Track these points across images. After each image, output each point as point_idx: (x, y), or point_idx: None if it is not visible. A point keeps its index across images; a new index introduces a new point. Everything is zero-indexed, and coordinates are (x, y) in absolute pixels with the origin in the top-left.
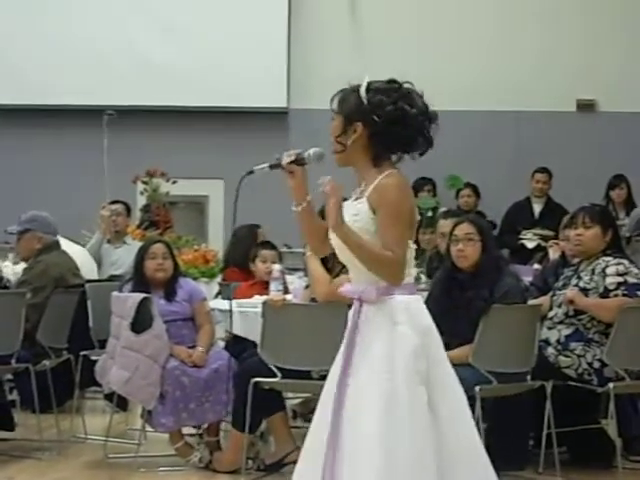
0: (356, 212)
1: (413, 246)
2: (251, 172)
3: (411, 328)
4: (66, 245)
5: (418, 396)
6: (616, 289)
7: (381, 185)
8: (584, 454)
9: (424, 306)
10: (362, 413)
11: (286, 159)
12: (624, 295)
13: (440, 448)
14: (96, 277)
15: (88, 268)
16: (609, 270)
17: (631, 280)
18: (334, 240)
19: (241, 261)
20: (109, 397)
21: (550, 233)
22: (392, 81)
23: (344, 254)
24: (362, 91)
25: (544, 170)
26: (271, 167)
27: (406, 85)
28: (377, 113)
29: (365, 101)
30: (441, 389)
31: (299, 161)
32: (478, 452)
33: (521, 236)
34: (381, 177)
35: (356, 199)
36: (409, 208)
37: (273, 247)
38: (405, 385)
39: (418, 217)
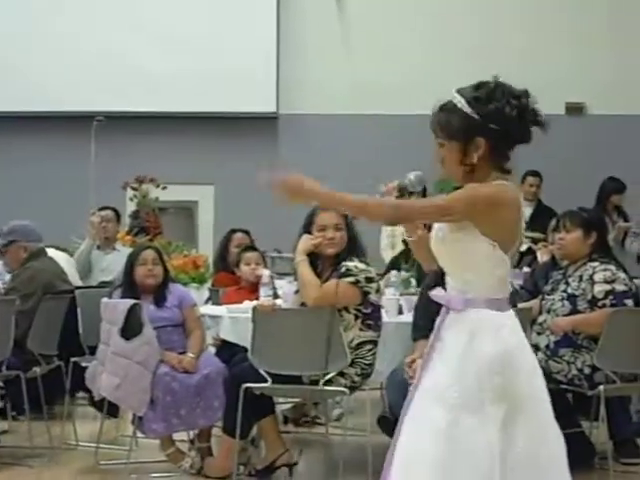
0: (463, 226)
1: (508, 261)
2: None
3: (491, 342)
4: (50, 253)
5: (488, 415)
6: (604, 298)
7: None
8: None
9: (514, 323)
10: (423, 431)
11: (392, 197)
12: (612, 305)
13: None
14: (78, 284)
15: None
16: (597, 277)
17: (619, 288)
18: (435, 248)
19: (220, 265)
20: (96, 404)
21: (541, 235)
22: (480, 86)
23: (444, 261)
24: (465, 107)
25: (536, 174)
26: None
27: (499, 80)
28: (495, 121)
29: (475, 116)
30: (519, 409)
31: (402, 191)
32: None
33: None
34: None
35: None
36: (483, 212)
37: (255, 250)
38: (474, 403)
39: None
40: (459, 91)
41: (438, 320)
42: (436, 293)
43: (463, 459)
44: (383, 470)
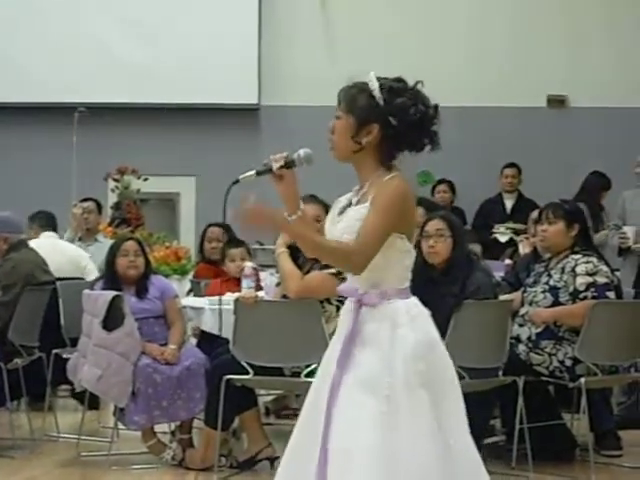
0: (360, 217)
1: (413, 251)
2: (236, 182)
3: (412, 330)
4: (54, 243)
5: (419, 399)
6: (586, 290)
7: (382, 185)
8: (545, 450)
9: (424, 309)
10: (359, 420)
11: (275, 164)
12: (593, 297)
13: (445, 454)
14: (88, 272)
15: (75, 265)
16: (579, 269)
17: (600, 280)
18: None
19: (201, 257)
20: (77, 396)
21: (522, 226)
22: (401, 80)
23: None
24: (376, 91)
25: (512, 165)
26: (258, 173)
27: (418, 85)
28: (396, 116)
29: (381, 102)
30: (442, 395)
31: (288, 164)
32: (477, 464)
33: (494, 230)
34: (386, 179)
35: (358, 202)
36: (400, 210)
37: (240, 244)
38: (405, 389)
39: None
40: (378, 77)
41: (350, 315)
42: (343, 289)
43: (406, 446)
44: (317, 467)
